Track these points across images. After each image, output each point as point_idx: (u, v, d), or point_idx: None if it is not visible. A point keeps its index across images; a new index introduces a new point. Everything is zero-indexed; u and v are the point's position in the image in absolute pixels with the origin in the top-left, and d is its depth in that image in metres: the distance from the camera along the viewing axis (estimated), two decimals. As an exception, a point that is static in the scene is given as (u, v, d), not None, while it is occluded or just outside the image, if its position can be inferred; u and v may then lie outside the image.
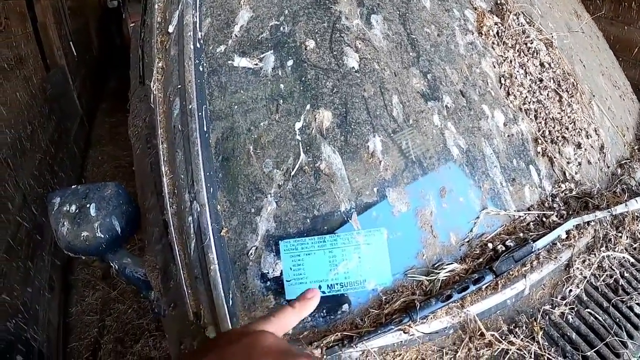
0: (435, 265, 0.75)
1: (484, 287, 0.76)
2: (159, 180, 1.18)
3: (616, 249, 0.85)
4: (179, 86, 0.81)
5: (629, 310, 0.77)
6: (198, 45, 0.83)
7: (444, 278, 0.74)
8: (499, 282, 0.77)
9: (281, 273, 0.72)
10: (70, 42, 3.78)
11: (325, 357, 0.69)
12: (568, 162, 0.92)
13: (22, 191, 2.07)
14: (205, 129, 0.77)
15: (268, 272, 0.72)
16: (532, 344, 0.72)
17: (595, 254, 0.85)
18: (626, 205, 0.87)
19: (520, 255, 0.77)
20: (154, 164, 1.24)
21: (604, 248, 0.85)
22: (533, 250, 0.78)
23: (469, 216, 0.80)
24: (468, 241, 0.78)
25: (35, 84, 2.66)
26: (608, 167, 1.00)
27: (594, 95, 1.06)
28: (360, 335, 0.68)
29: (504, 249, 0.78)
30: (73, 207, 0.97)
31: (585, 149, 0.94)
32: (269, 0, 0.86)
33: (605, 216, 0.85)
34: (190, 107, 0.78)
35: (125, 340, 2.01)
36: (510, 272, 0.78)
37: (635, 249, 0.87)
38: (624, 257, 0.84)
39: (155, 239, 1.06)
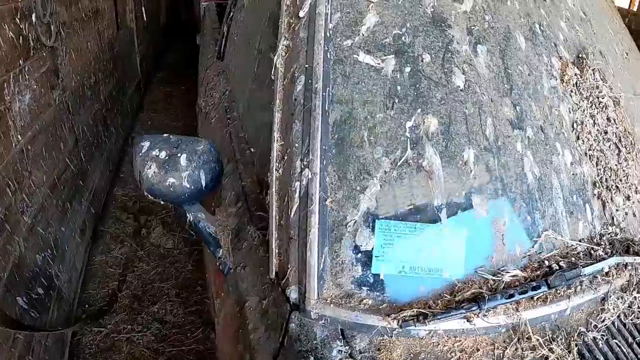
0: (501, 269, 0.86)
1: (535, 297, 0.87)
2: (240, 148, 1.26)
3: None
4: (307, 65, 0.90)
5: None
6: (328, 34, 0.93)
7: (508, 280, 0.84)
8: (548, 296, 0.88)
9: (372, 248, 0.82)
10: (143, 8, 3.85)
11: (399, 329, 0.78)
12: (617, 210, 1.04)
13: (75, 136, 2.13)
14: (326, 108, 0.86)
15: (361, 245, 0.82)
16: (568, 356, 0.82)
17: (627, 295, 0.96)
18: None
19: (570, 275, 0.87)
20: (233, 134, 1.33)
21: (635, 292, 0.96)
22: (581, 274, 0.89)
23: (532, 234, 0.90)
24: (529, 255, 0.89)
25: (106, 39, 2.74)
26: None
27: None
28: (434, 314, 0.77)
29: (557, 267, 0.89)
30: (163, 154, 1.04)
31: (633, 202, 1.06)
32: (393, 11, 0.97)
33: (641, 264, 0.97)
34: (315, 86, 0.87)
35: (143, 299, 2.04)
36: (557, 291, 0.89)
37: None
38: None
39: (229, 202, 1.14)
